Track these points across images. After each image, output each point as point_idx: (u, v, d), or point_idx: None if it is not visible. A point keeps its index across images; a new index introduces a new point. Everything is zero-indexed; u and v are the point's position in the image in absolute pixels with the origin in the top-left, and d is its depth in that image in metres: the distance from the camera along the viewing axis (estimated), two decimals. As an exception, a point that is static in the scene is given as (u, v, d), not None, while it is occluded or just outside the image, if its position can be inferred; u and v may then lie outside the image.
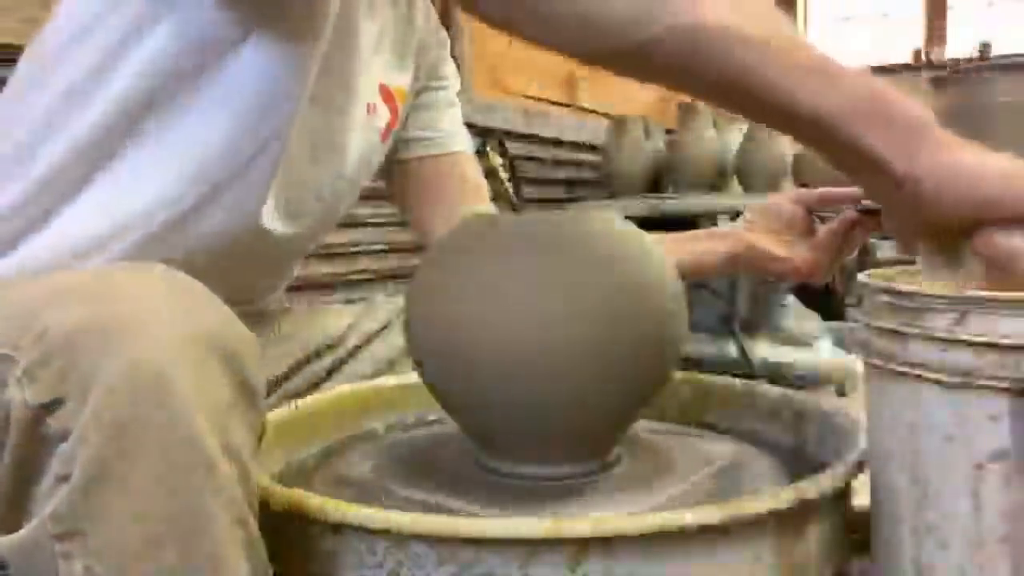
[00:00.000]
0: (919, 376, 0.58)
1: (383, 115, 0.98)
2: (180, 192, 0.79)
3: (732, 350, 2.11)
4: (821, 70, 0.59)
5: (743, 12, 0.60)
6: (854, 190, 0.90)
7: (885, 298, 0.61)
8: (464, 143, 1.10)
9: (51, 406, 0.51)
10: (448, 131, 1.08)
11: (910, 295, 0.59)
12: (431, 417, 0.92)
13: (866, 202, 0.89)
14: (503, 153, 2.41)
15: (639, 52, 0.60)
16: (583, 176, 2.82)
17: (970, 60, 4.07)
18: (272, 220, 0.87)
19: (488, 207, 1.09)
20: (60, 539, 0.50)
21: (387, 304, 1.13)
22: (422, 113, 1.06)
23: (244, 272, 0.89)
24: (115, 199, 0.79)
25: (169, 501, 0.51)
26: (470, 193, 1.08)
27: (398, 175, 1.08)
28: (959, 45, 4.52)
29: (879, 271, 0.68)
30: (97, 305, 0.53)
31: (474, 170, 1.11)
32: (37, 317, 0.54)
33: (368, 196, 1.07)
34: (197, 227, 0.81)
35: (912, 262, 0.67)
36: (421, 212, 1.08)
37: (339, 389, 0.94)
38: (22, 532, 0.52)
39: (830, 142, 0.60)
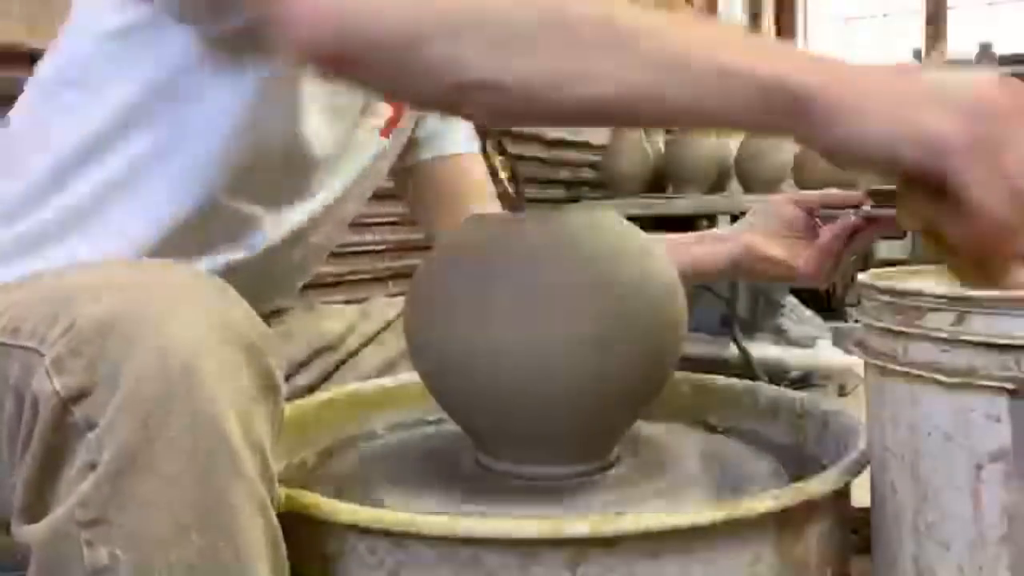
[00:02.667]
0: (919, 376, 0.58)
1: (381, 112, 0.98)
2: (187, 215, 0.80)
3: (732, 350, 2.11)
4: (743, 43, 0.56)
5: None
6: (857, 194, 0.90)
7: (885, 298, 0.61)
8: (471, 144, 1.10)
9: (79, 396, 0.52)
10: (454, 132, 1.08)
11: (910, 295, 0.59)
12: (431, 417, 0.92)
13: (868, 206, 0.89)
14: (503, 153, 2.41)
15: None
16: (583, 176, 2.82)
17: (970, 61, 4.07)
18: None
19: (496, 207, 1.09)
20: (86, 526, 0.51)
21: (387, 304, 1.13)
22: (429, 117, 1.06)
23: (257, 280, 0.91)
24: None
25: (195, 490, 0.52)
26: (479, 194, 1.08)
27: (409, 180, 1.09)
28: (959, 45, 4.52)
29: (879, 271, 0.68)
30: (126, 298, 0.54)
31: (481, 171, 1.11)
32: (64, 310, 0.55)
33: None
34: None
35: (907, 261, 0.67)
36: (432, 215, 1.08)
37: (339, 389, 0.94)
38: (47, 520, 0.53)
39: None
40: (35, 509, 0.55)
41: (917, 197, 0.55)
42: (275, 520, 0.56)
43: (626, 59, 0.55)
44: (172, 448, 0.51)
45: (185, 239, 0.80)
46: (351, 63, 0.58)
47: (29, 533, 0.54)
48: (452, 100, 0.59)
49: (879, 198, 0.87)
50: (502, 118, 0.65)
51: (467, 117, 0.68)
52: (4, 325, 0.59)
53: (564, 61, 0.55)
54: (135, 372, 0.51)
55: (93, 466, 0.51)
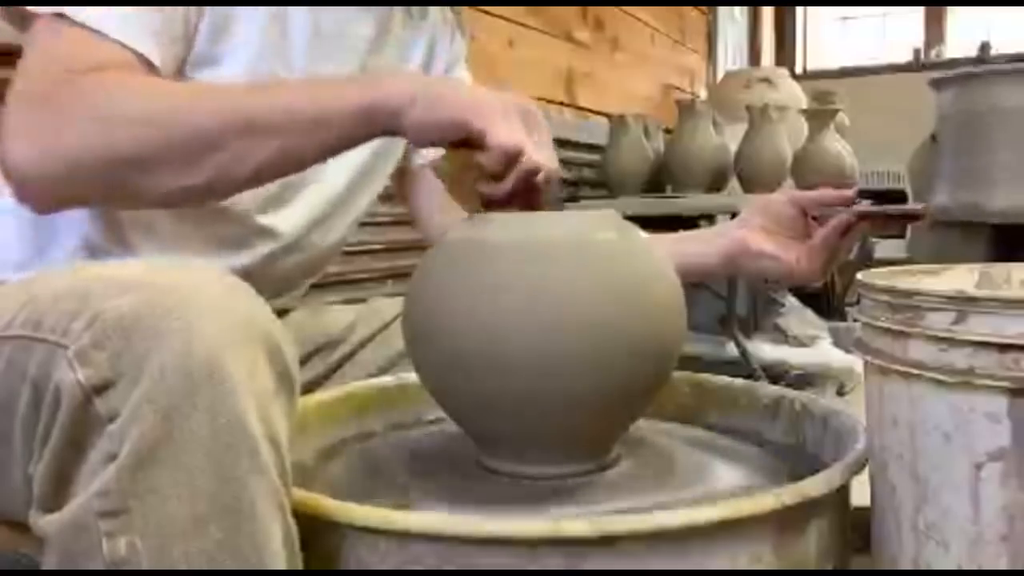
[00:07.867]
0: (919, 376, 0.58)
1: None
2: None
3: (731, 350, 2.11)
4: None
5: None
6: (850, 193, 0.90)
7: (885, 298, 0.61)
8: None
9: (102, 387, 0.53)
10: None
11: (910, 295, 0.59)
12: (431, 417, 0.92)
13: (862, 204, 0.89)
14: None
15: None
16: (583, 176, 2.81)
17: (970, 60, 4.07)
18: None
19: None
20: (105, 517, 0.52)
21: (387, 304, 1.13)
22: None
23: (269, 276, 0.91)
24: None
25: (215, 482, 0.52)
26: None
27: (407, 180, 1.09)
28: (959, 45, 4.52)
29: (879, 271, 0.68)
30: (150, 293, 0.55)
31: None
32: (87, 305, 0.56)
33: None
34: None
35: (907, 261, 0.67)
36: (430, 216, 1.08)
37: (339, 389, 0.94)
38: (66, 510, 0.54)
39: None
40: (53, 500, 0.55)
41: (460, 150, 0.75)
42: (290, 513, 0.57)
43: (273, 135, 0.72)
44: (193, 441, 0.52)
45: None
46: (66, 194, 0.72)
47: (47, 524, 0.54)
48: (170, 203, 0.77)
49: (872, 196, 0.87)
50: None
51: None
52: (25, 319, 0.59)
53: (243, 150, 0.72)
54: (159, 366, 0.52)
55: (113, 457, 0.52)
